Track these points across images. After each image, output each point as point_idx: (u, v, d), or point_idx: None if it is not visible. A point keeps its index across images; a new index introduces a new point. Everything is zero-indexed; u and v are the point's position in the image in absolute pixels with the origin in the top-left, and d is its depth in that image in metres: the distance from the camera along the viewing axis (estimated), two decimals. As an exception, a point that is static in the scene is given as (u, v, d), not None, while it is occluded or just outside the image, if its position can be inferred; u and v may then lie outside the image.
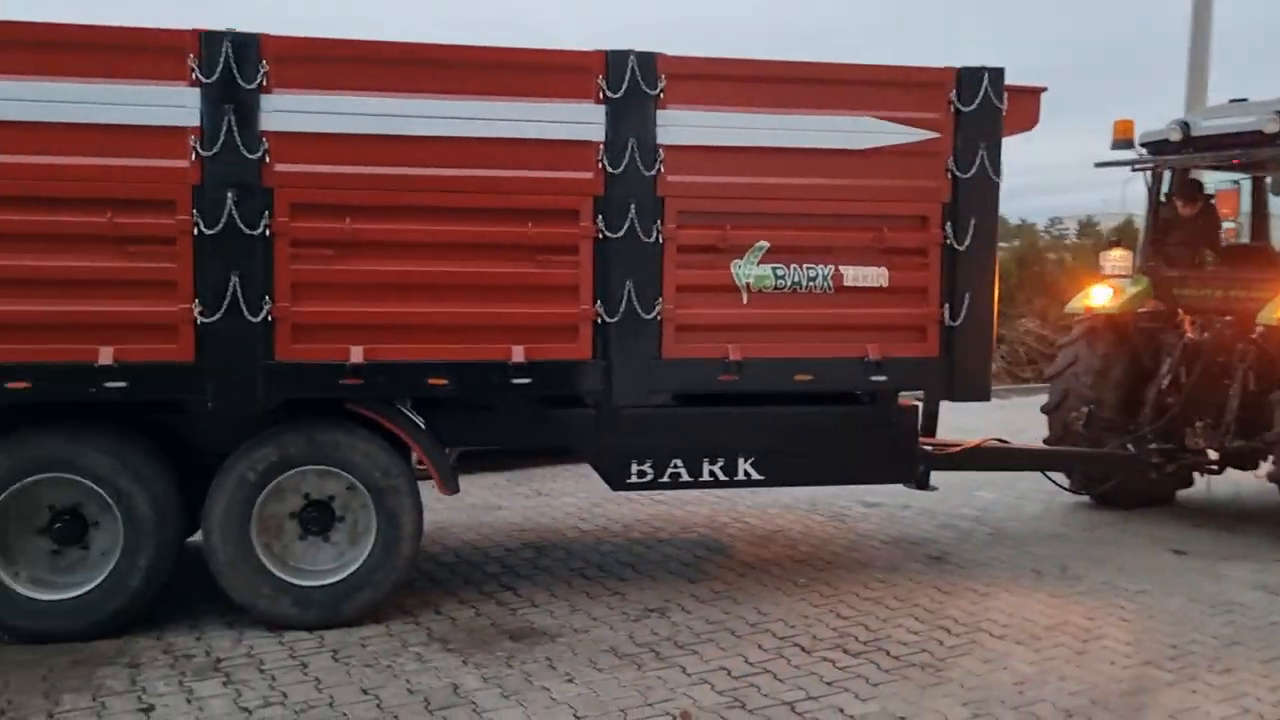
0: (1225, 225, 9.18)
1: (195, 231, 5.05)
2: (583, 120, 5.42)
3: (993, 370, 6.88)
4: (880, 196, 5.83)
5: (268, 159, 5.10)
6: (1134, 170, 8.52)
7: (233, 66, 5.01)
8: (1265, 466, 7.65)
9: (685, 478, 6.17)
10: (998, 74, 5.84)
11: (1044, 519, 8.23)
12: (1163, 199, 8.62)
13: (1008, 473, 8.92)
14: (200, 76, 5.00)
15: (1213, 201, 8.55)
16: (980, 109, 5.81)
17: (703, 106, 5.56)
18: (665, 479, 6.15)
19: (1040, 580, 6.55)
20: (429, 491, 5.73)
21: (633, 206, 5.47)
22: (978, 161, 5.84)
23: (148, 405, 5.33)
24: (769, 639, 5.41)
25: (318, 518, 5.57)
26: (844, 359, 5.85)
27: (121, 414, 5.33)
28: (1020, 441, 8.06)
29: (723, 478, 6.22)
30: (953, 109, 5.83)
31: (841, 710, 4.57)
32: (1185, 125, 8.16)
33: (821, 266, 5.79)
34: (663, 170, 5.51)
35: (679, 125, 5.52)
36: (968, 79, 5.81)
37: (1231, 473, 8.24)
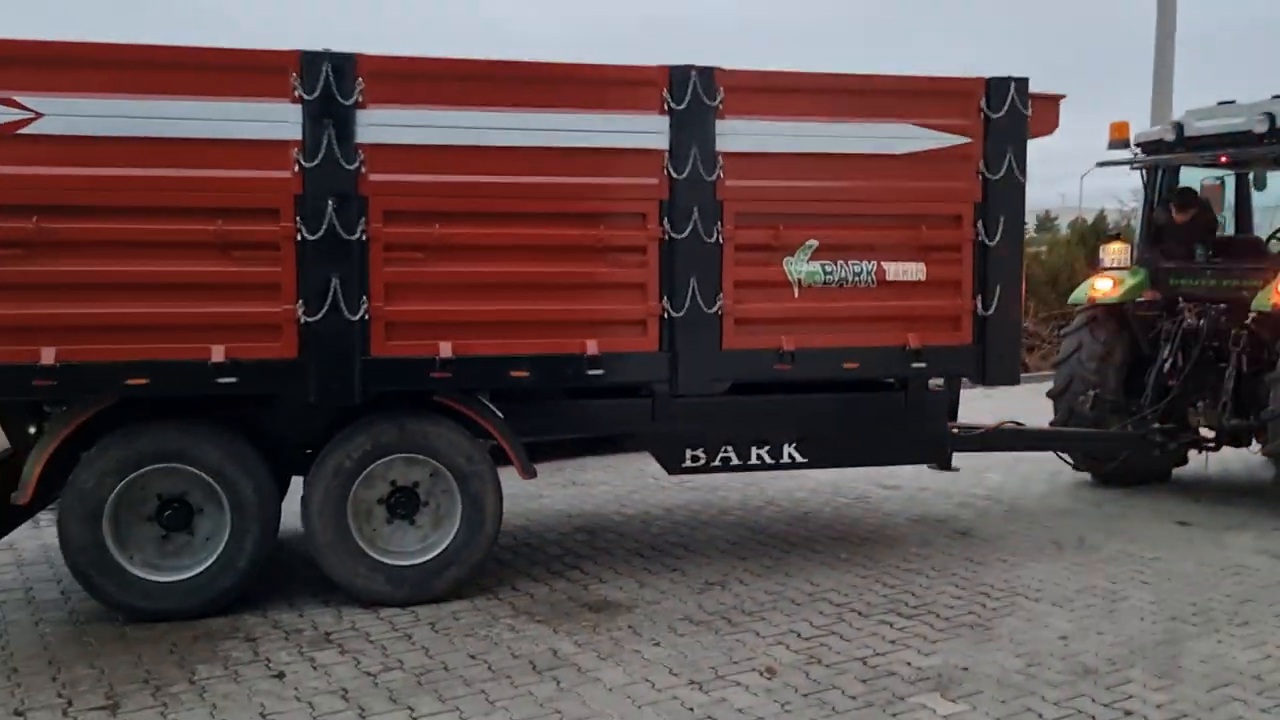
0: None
1: (298, 237, 5.44)
2: (649, 130, 5.87)
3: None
4: (918, 197, 6.32)
5: (363, 170, 5.50)
6: (1132, 169, 9.08)
7: (332, 84, 5.41)
8: (1256, 445, 8.24)
9: (735, 461, 6.63)
10: (1023, 83, 6.35)
11: (1052, 496, 8.78)
12: (1158, 196, 9.17)
13: (1010, 455, 9.49)
14: (302, 94, 5.40)
15: (1207, 202, 9.09)
16: (1008, 115, 6.32)
17: (757, 116, 6.02)
18: (717, 463, 6.62)
19: (1061, 550, 7.08)
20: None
21: (695, 210, 5.92)
22: (1006, 164, 6.35)
23: (242, 400, 5.70)
24: (827, 606, 5.89)
25: (404, 502, 5.97)
26: (887, 348, 6.34)
27: (218, 409, 5.71)
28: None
29: (769, 461, 6.68)
30: (983, 116, 6.33)
31: (909, 664, 5.05)
32: (1179, 126, 8.74)
33: (865, 262, 6.27)
34: (722, 175, 5.96)
35: (736, 134, 5.97)
36: (996, 88, 6.31)
37: (1223, 450, 8.82)
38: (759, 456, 6.66)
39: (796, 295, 6.21)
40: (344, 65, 5.45)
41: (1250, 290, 8.22)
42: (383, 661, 5.05)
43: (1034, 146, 6.45)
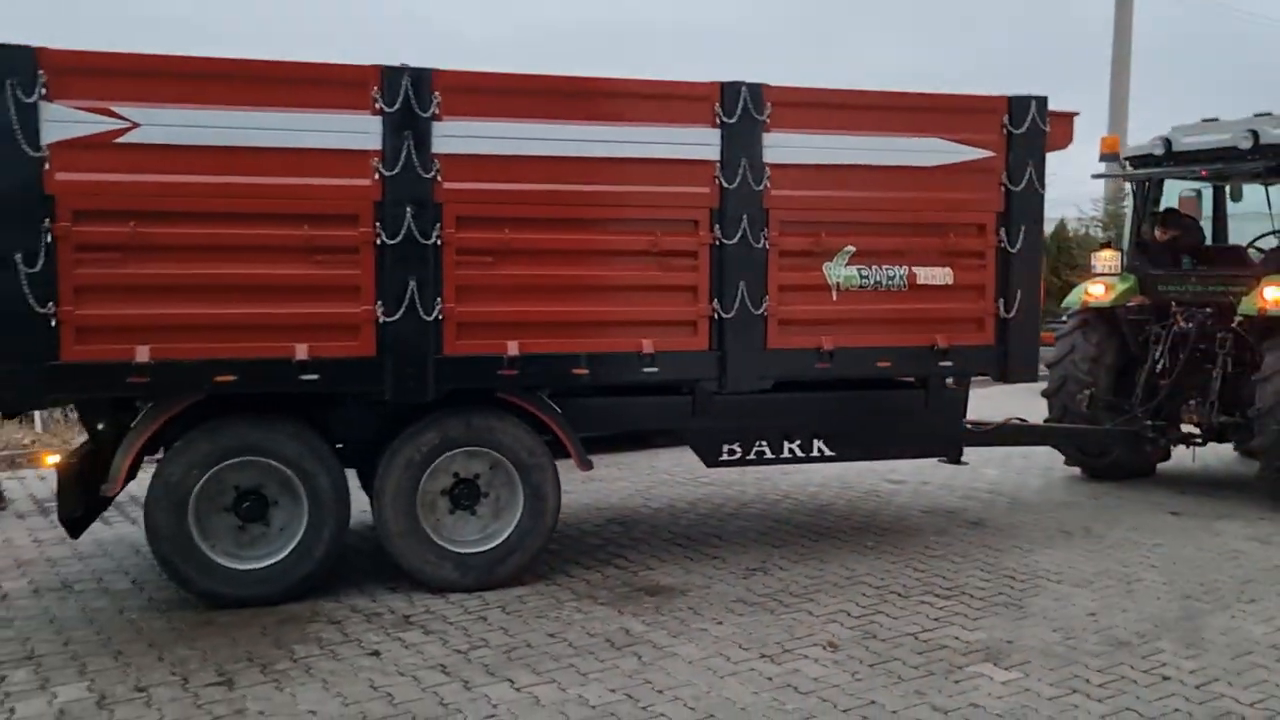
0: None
1: (377, 242, 5.74)
2: (702, 142, 6.24)
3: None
4: (946, 207, 6.76)
5: (439, 178, 5.82)
6: (1124, 180, 9.62)
7: (411, 98, 5.72)
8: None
9: (769, 455, 7.02)
10: (1043, 101, 6.82)
11: (1049, 490, 9.28)
12: (1145, 206, 9.73)
13: (1003, 452, 10.03)
14: (383, 106, 5.70)
15: (1190, 221, 9.67)
16: (1028, 131, 6.79)
17: (801, 130, 6.42)
18: (751, 456, 7.00)
19: (1070, 538, 7.56)
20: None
21: (744, 217, 6.31)
22: (1026, 176, 6.81)
23: (313, 398, 5.97)
24: (867, 589, 6.30)
25: (467, 493, 6.29)
26: (917, 347, 6.77)
27: (291, 405, 5.98)
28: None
29: (800, 454, 7.08)
30: (1005, 131, 6.79)
31: (957, 637, 5.47)
32: (1167, 142, 9.29)
33: (898, 267, 6.69)
34: (769, 185, 6.35)
35: (782, 146, 6.37)
36: (1018, 105, 6.77)
37: (1199, 447, 9.39)
38: (790, 450, 7.05)
39: (835, 298, 6.61)
40: (422, 80, 5.75)
41: (1234, 295, 8.78)
42: (468, 640, 5.36)
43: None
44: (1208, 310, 8.97)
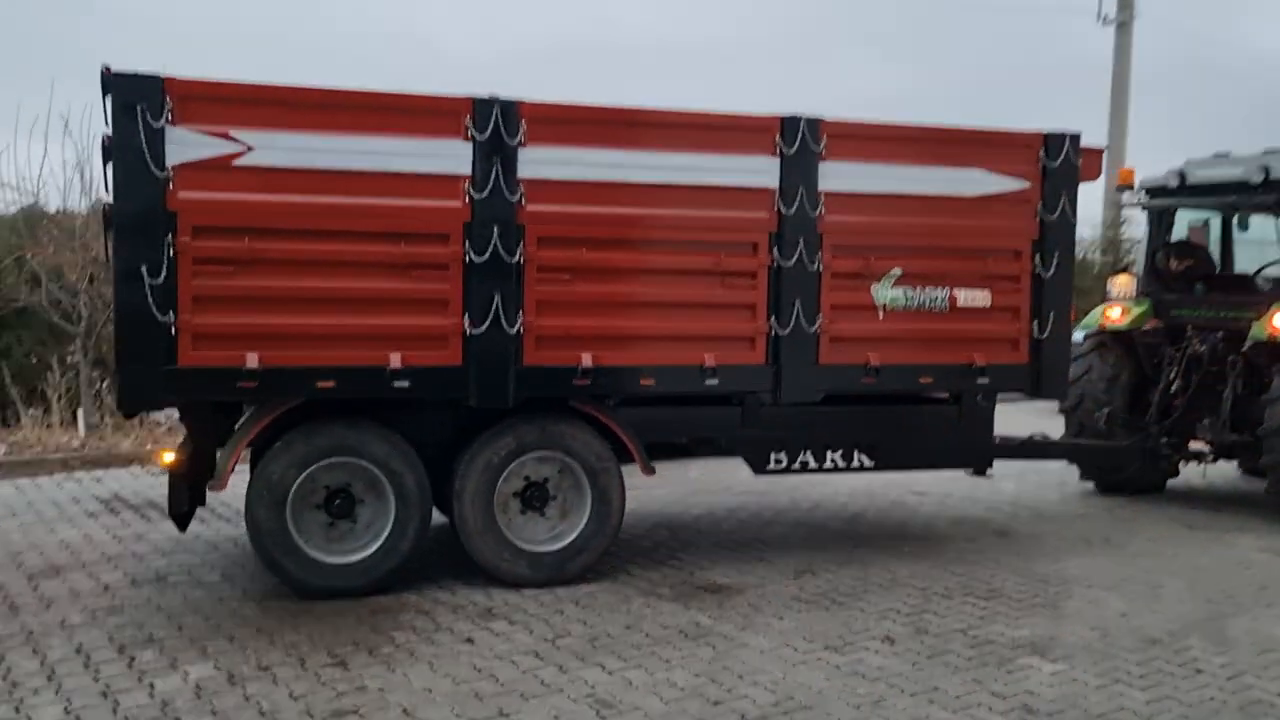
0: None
1: (466, 259, 6.19)
2: (763, 171, 6.71)
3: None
4: (985, 234, 7.25)
5: (523, 201, 6.27)
6: (1142, 210, 10.15)
7: (500, 126, 6.17)
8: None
9: (812, 464, 7.47)
10: (1076, 137, 7.32)
11: (1066, 503, 9.75)
12: (1160, 234, 10.24)
13: (1018, 466, 10.46)
14: (474, 134, 6.15)
15: (1202, 250, 10.19)
16: (1062, 164, 7.28)
17: (853, 160, 6.89)
18: (796, 466, 7.44)
19: (1092, 547, 8.02)
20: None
21: (801, 241, 6.77)
22: (1060, 206, 7.30)
23: (395, 404, 6.37)
24: (912, 590, 6.74)
25: (538, 495, 6.72)
26: (957, 364, 7.24)
27: (372, 410, 6.38)
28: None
29: (841, 464, 7.53)
30: (1041, 164, 7.28)
31: (1002, 634, 5.91)
32: (1181, 174, 9.80)
33: (940, 290, 7.17)
34: (824, 212, 6.82)
35: (836, 175, 6.84)
36: (1054, 141, 7.27)
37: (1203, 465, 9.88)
38: (833, 460, 7.50)
39: (881, 317, 7.08)
40: (510, 110, 6.21)
41: (1245, 321, 9.27)
42: (552, 630, 5.79)
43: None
44: (1219, 334, 9.47)
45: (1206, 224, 10.89)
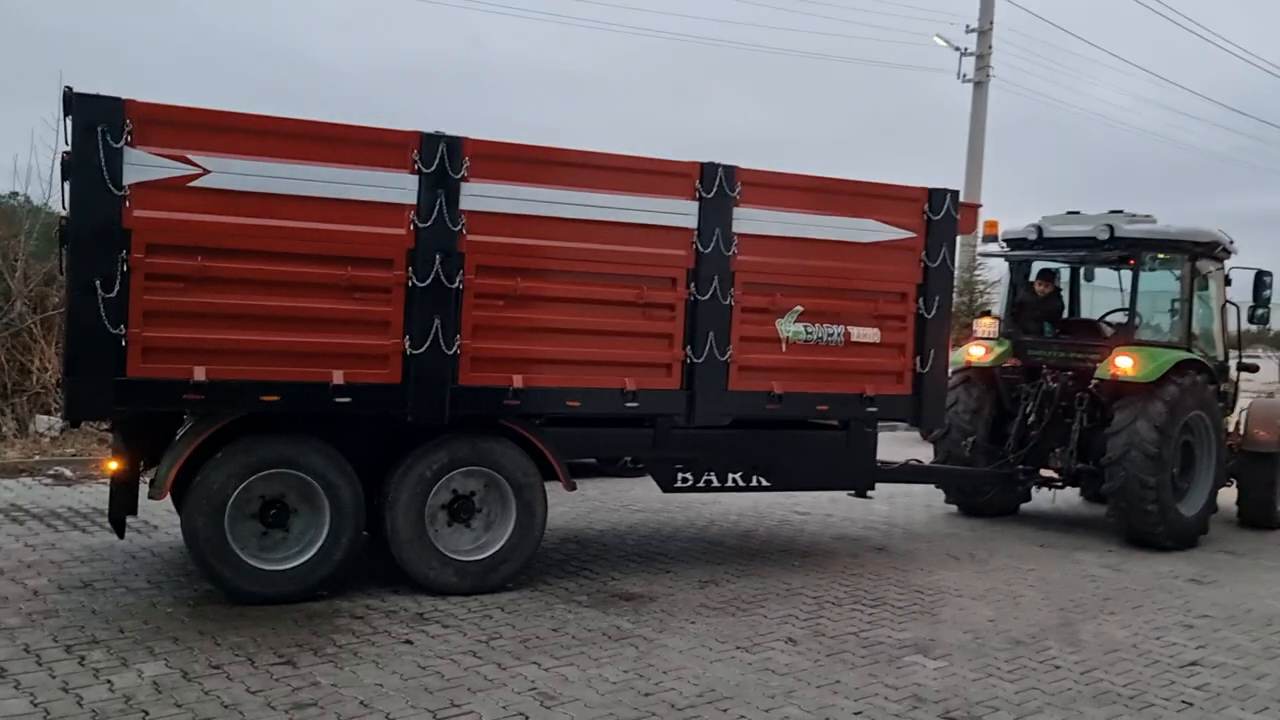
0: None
1: (409, 284, 6.57)
2: (683, 212, 7.31)
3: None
4: (877, 277, 8.03)
5: (464, 231, 6.70)
6: (1005, 259, 11.21)
7: (445, 161, 6.60)
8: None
9: (715, 483, 8.09)
10: (955, 194, 8.19)
11: (934, 524, 10.65)
12: (1019, 282, 11.32)
13: (889, 490, 11.35)
14: (421, 167, 6.56)
15: (1059, 287, 11.32)
16: (944, 218, 8.13)
17: (764, 206, 7.57)
18: (701, 484, 8.05)
19: (960, 562, 8.87)
20: (547, 489, 7.38)
21: (715, 277, 7.40)
22: (940, 255, 8.14)
23: (333, 419, 6.68)
24: (806, 598, 7.40)
25: (465, 508, 7.12)
26: (850, 394, 7.98)
27: (309, 425, 6.68)
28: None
29: (741, 484, 8.17)
30: (925, 217, 8.11)
31: (889, 636, 6.61)
32: (1039, 229, 10.89)
33: (836, 326, 7.90)
34: (736, 252, 7.47)
35: (748, 219, 7.50)
36: (936, 196, 8.11)
37: (1059, 490, 10.97)
38: (734, 480, 8.13)
39: (784, 349, 7.76)
40: (455, 145, 6.64)
41: (1090, 362, 10.38)
42: (484, 633, 6.19)
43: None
44: (1070, 373, 10.55)
45: (1056, 273, 12.08)
